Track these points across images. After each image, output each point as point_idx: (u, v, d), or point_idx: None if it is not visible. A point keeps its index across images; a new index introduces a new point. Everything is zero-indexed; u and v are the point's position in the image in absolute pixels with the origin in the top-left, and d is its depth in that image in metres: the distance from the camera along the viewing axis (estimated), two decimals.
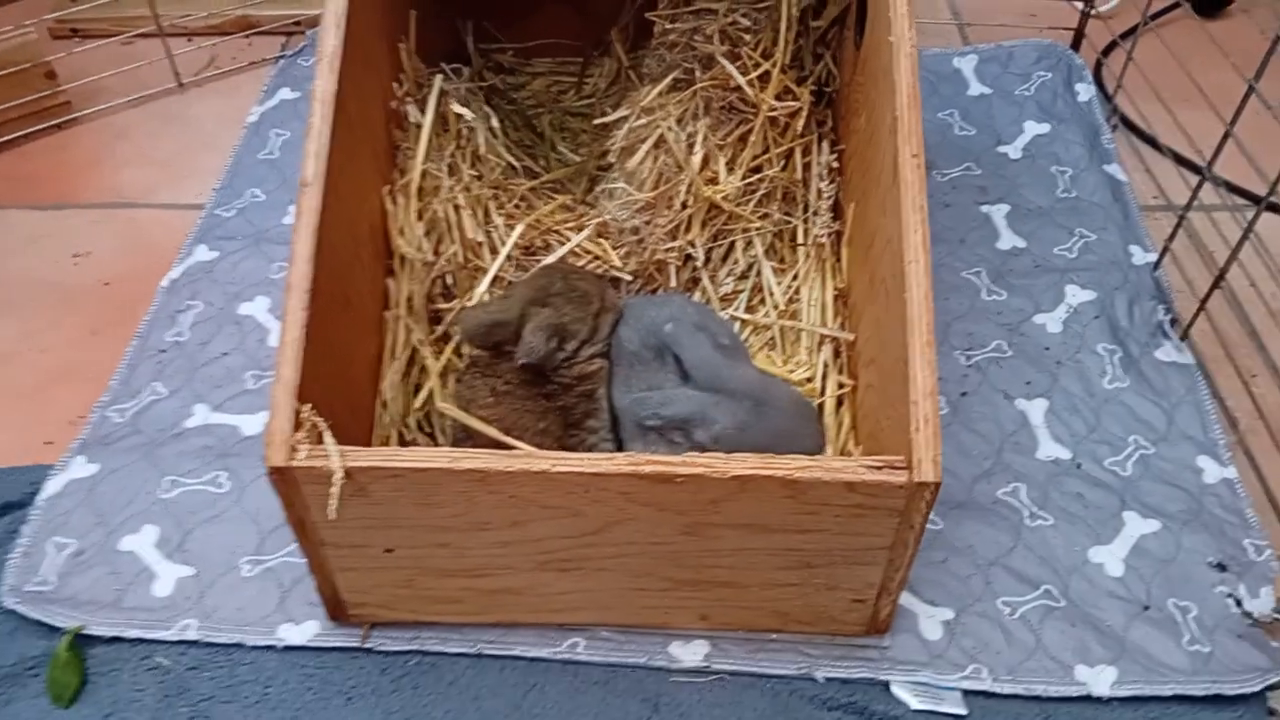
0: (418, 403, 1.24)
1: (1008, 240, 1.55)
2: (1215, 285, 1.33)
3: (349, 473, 0.93)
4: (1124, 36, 1.86)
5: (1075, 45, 1.90)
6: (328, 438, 0.94)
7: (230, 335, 1.46)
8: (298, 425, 0.94)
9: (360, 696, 1.09)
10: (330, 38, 1.11)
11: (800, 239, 1.38)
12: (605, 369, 1.18)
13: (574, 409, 1.15)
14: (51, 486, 1.27)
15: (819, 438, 1.14)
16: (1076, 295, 1.47)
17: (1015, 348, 1.40)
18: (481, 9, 1.63)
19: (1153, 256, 1.51)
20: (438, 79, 1.39)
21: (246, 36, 2.03)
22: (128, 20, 1.97)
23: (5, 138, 1.81)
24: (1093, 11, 1.86)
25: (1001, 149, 1.71)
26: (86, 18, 2.00)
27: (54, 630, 1.14)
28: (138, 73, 1.93)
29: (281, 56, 1.98)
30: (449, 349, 1.27)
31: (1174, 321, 1.42)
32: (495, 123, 1.44)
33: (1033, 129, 1.74)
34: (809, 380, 1.27)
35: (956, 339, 1.42)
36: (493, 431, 1.07)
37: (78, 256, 1.63)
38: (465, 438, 1.13)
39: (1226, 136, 1.33)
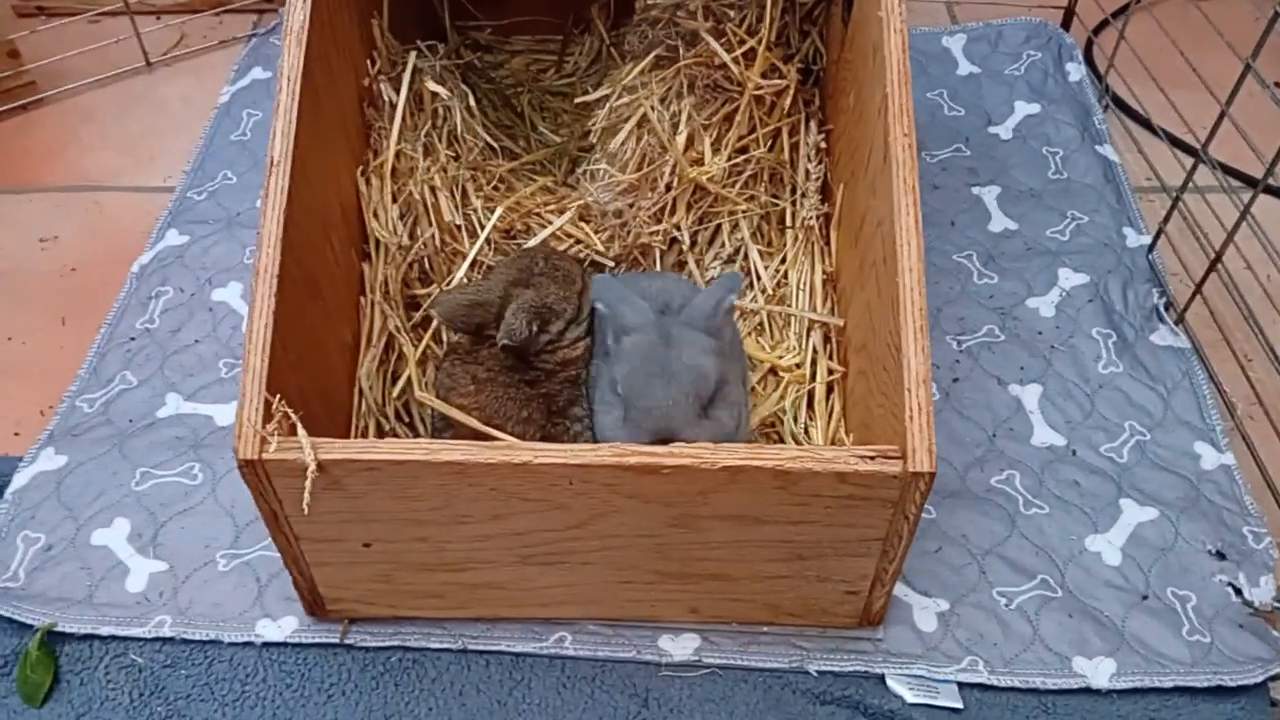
0: (395, 391, 1.21)
1: (999, 223, 1.53)
2: (1211, 268, 1.31)
3: (322, 465, 0.89)
4: (1115, 15, 1.84)
5: (1066, 24, 1.87)
6: (300, 429, 0.90)
7: (202, 322, 1.42)
8: (268, 416, 0.90)
9: (340, 694, 1.06)
10: (298, 12, 1.07)
11: (788, 221, 1.34)
12: (589, 349, 1.15)
13: (557, 396, 1.12)
14: (19, 479, 1.23)
15: (671, 406, 0.97)
16: (1069, 279, 1.44)
17: (1008, 332, 1.38)
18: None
19: (1146, 239, 1.48)
20: (412, 56, 1.35)
21: (217, 14, 1.98)
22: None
23: None
24: None
25: (992, 130, 1.68)
26: None
27: (24, 628, 1.10)
28: (105, 52, 1.87)
29: (253, 35, 1.93)
30: (427, 335, 1.24)
31: (1169, 305, 1.40)
32: (472, 102, 1.39)
33: (1023, 109, 1.71)
34: (798, 365, 1.24)
35: (948, 324, 1.39)
36: (473, 421, 1.04)
37: (44, 242, 1.58)
38: (445, 427, 1.10)
39: (1222, 117, 1.30)
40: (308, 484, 0.89)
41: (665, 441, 0.95)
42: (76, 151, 1.74)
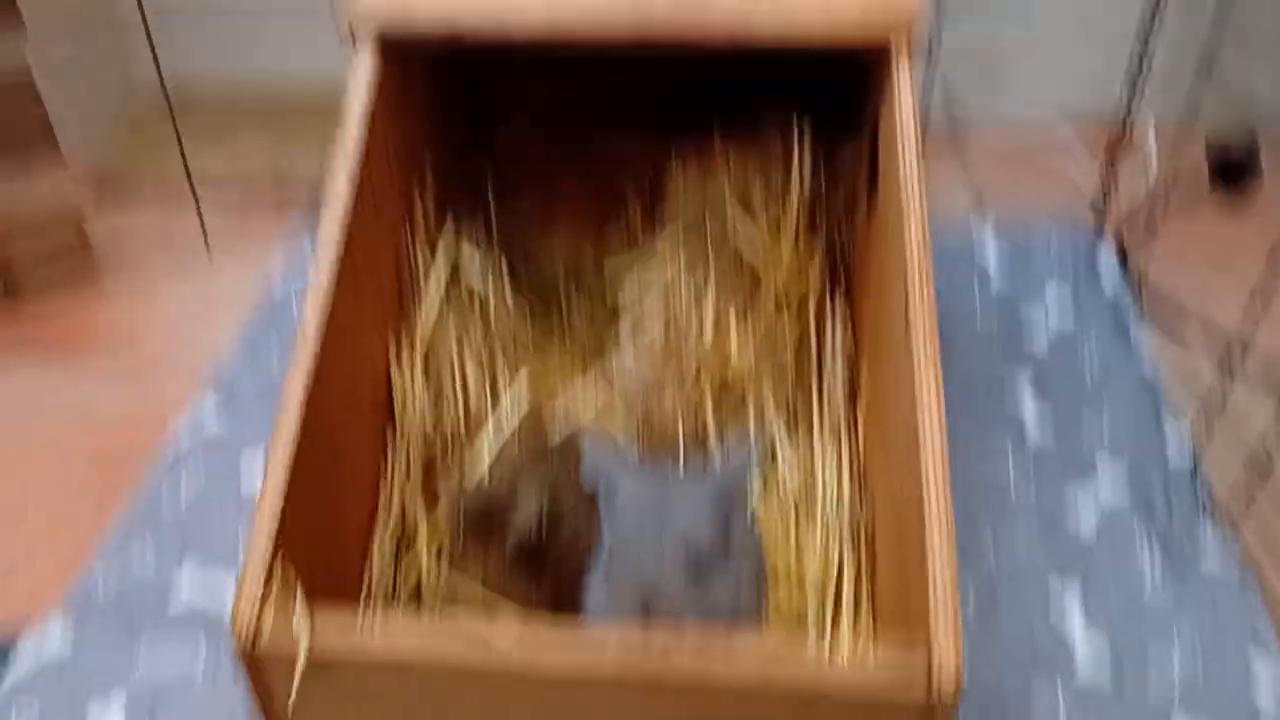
0: (406, 579, 1.18)
1: (1033, 427, 1.49)
2: (1260, 476, 1.26)
3: (317, 661, 0.86)
4: (1148, 221, 1.86)
5: (1099, 229, 1.89)
6: (298, 617, 0.88)
7: (228, 498, 1.41)
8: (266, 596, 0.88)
9: None
10: (340, 181, 1.11)
11: (814, 415, 1.33)
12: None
13: (569, 575, 1.08)
14: (26, 653, 1.22)
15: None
16: (1108, 496, 1.38)
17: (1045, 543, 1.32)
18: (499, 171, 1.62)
19: (1187, 449, 1.43)
20: (449, 234, 1.38)
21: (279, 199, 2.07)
22: (164, 180, 2.02)
23: (27, 293, 1.83)
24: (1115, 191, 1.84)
25: (1024, 336, 1.66)
26: (122, 174, 2.05)
27: None
28: (168, 237, 1.95)
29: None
30: (444, 521, 1.22)
31: (1214, 519, 1.33)
32: (507, 285, 1.42)
33: (1056, 313, 1.70)
34: (821, 557, 1.19)
35: (983, 537, 1.33)
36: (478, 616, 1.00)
37: (81, 412, 1.61)
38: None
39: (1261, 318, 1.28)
40: (297, 677, 0.86)
41: (649, 608, 0.88)
42: (128, 330, 1.79)
